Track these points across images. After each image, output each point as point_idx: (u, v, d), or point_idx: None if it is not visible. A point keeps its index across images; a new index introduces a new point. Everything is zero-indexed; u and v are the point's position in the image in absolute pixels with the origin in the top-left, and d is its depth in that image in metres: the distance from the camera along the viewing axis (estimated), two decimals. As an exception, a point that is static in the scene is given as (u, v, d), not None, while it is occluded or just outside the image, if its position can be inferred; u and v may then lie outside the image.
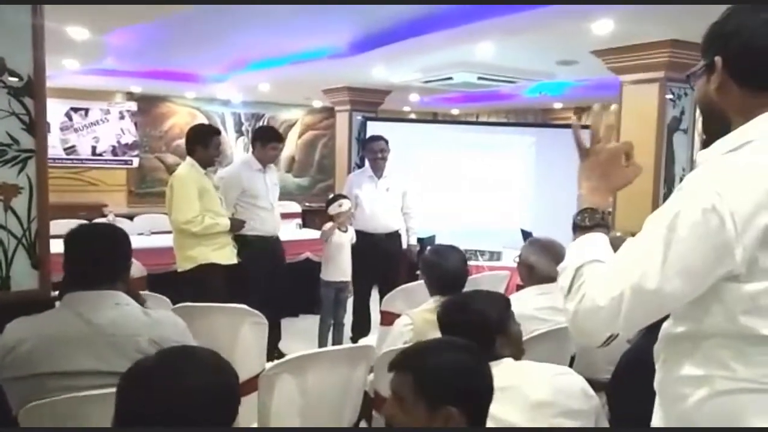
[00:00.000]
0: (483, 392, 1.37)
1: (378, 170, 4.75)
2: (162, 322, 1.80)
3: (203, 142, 3.93)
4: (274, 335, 4.11)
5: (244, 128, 10.05)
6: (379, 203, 4.73)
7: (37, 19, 2.24)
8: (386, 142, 4.75)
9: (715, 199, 1.01)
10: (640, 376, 1.70)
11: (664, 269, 1.04)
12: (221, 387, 1.12)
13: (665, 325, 1.21)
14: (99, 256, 1.79)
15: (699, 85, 1.19)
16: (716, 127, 1.13)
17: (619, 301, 1.08)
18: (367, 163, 4.92)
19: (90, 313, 1.71)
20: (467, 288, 2.72)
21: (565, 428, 1.65)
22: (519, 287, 3.89)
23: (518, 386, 1.68)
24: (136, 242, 5.01)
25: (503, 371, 1.71)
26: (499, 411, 1.56)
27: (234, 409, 1.15)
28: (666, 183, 4.76)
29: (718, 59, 1.12)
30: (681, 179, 4.76)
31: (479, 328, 1.79)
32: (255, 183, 4.29)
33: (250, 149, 4.57)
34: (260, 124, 10.04)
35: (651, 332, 1.98)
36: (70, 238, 1.84)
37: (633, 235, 1.14)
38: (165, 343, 1.70)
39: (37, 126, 2.27)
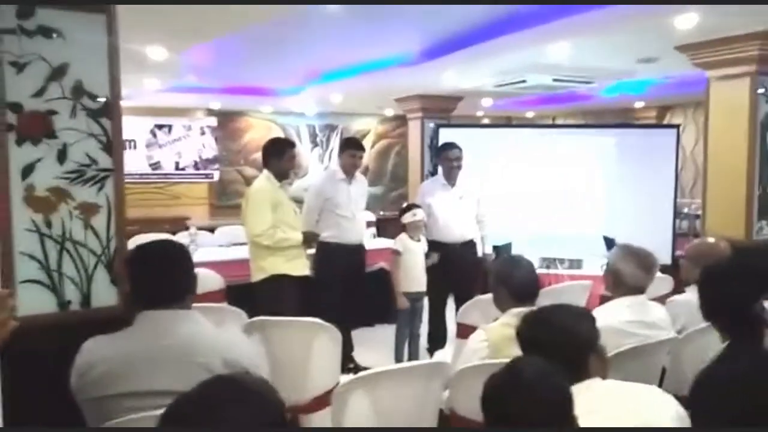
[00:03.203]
0: None
1: (452, 178, 4.66)
2: (235, 343, 1.80)
3: (278, 155, 4.00)
4: (347, 345, 4.11)
5: (318, 139, 10.19)
6: (453, 212, 4.64)
7: (113, 40, 2.31)
8: (460, 149, 4.65)
9: None
10: (717, 401, 1.59)
11: None
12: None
13: None
14: (167, 274, 1.81)
15: None
16: None
17: None
18: (440, 170, 4.84)
19: (165, 333, 1.73)
20: (546, 298, 2.61)
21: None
22: (603, 298, 3.72)
23: (610, 414, 1.58)
24: (217, 254, 5.28)
25: (594, 393, 1.64)
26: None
27: None
28: (761, 184, 4.44)
29: None
30: (776, 180, 4.47)
31: (570, 346, 1.69)
32: (337, 192, 4.43)
33: (336, 159, 4.70)
34: (334, 135, 10.17)
35: (733, 356, 1.86)
36: (135, 257, 1.87)
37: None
38: (237, 364, 1.71)
39: (114, 146, 2.33)
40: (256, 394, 1.08)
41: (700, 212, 6.38)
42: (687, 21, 3.95)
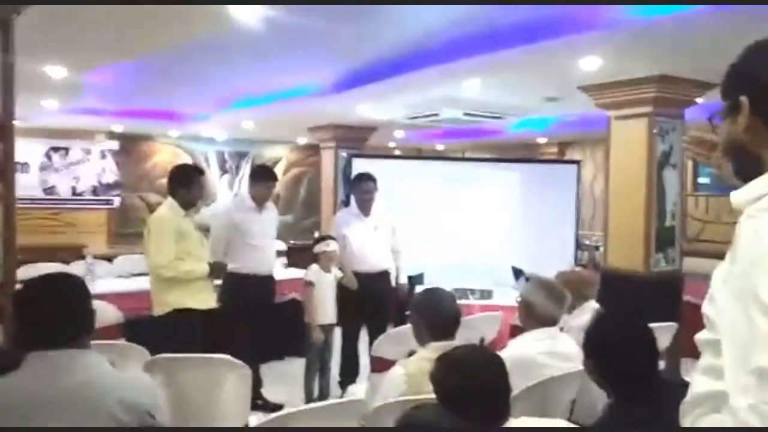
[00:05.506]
0: None
1: (365, 209, 4.63)
2: (134, 384, 1.66)
3: (186, 184, 3.83)
4: (255, 380, 3.94)
5: (228, 166, 9.96)
6: (368, 242, 4.59)
7: (9, 57, 2.11)
8: (374, 181, 4.64)
9: None
10: None
11: None
12: None
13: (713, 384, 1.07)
14: (62, 313, 1.64)
15: (724, 127, 1.12)
16: (750, 169, 1.05)
17: None
18: (353, 201, 4.81)
19: (59, 375, 1.57)
20: (461, 330, 2.59)
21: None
22: (513, 328, 3.77)
23: None
24: (115, 285, 4.97)
25: None
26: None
27: None
28: (658, 219, 4.69)
29: (744, 99, 1.05)
30: (672, 215, 4.75)
31: (489, 396, 1.67)
32: (247, 221, 4.29)
33: (246, 186, 4.55)
34: (244, 162, 9.97)
35: (621, 404, 1.89)
36: (25, 295, 1.69)
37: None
38: (137, 406, 1.57)
39: (6, 170, 2.12)
40: None
41: (599, 244, 6.68)
42: (590, 63, 4.14)
